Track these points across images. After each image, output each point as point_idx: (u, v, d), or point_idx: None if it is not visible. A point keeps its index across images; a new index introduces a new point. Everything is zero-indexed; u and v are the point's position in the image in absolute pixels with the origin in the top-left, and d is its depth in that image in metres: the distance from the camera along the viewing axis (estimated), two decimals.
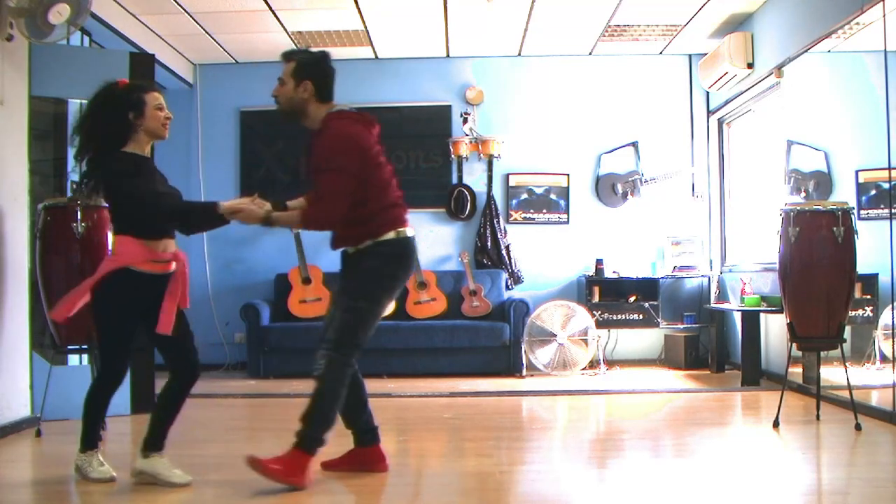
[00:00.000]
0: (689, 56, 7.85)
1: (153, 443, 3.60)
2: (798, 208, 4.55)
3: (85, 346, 4.55)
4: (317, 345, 3.48)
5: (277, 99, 3.62)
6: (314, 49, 3.80)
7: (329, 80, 3.76)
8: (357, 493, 3.53)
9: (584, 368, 6.97)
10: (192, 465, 3.77)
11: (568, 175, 7.84)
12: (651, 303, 7.29)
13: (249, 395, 6.18)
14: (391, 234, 3.46)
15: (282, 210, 3.55)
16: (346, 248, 3.55)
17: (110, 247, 3.77)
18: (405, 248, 3.51)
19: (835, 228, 4.39)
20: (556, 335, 6.94)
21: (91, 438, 3.62)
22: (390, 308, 7.18)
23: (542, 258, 7.80)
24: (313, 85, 3.64)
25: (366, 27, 7.02)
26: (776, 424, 4.52)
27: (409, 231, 3.53)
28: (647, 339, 7.77)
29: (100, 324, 3.54)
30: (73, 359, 5.22)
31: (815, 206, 4.53)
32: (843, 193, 5.75)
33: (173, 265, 3.57)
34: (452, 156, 7.74)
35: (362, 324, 3.44)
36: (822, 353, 4.66)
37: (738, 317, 6.71)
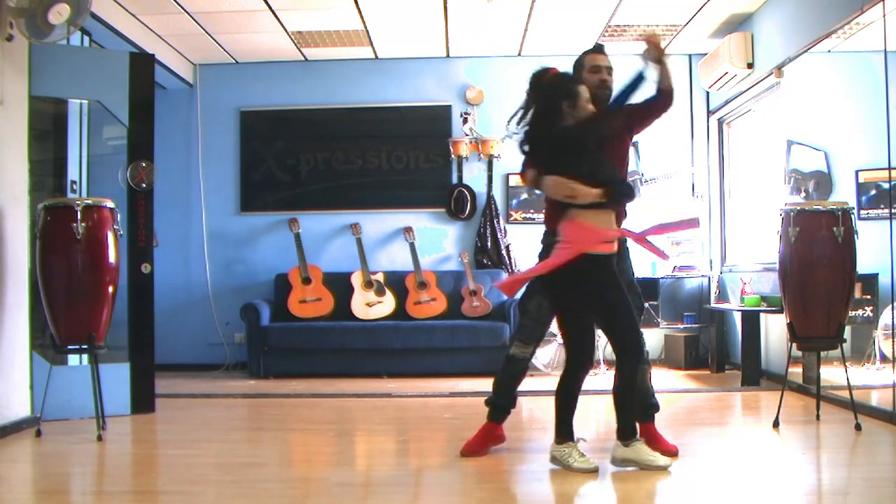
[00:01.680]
0: (689, 56, 7.85)
1: (565, 431, 3.65)
2: (798, 208, 4.55)
3: (85, 346, 4.54)
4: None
5: (607, 85, 4.00)
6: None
7: None
8: (357, 492, 3.53)
9: None
10: (192, 464, 3.77)
11: None
12: (651, 303, 7.28)
13: (249, 395, 6.17)
14: None
15: None
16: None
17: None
18: None
19: (835, 228, 4.39)
20: (556, 335, 6.93)
21: (567, 430, 3.63)
22: (390, 308, 7.27)
23: None
24: None
25: (366, 27, 7.02)
26: (776, 424, 4.52)
27: None
28: (647, 339, 7.72)
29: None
30: (73, 359, 5.22)
31: (815, 206, 4.53)
32: (843, 193, 5.75)
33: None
34: (452, 156, 7.74)
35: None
36: (822, 353, 4.65)
37: (738, 317, 6.70)
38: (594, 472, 3.56)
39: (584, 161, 3.59)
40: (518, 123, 3.86)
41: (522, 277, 3.78)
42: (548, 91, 3.75)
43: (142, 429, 4.87)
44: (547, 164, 3.67)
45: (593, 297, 3.59)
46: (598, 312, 3.66)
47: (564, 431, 3.64)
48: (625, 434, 3.63)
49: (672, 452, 3.84)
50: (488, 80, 7.90)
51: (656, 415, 4.06)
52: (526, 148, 3.80)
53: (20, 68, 4.83)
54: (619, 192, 3.58)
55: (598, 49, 4.11)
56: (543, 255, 3.87)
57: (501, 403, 4.03)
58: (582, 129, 3.66)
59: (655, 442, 3.91)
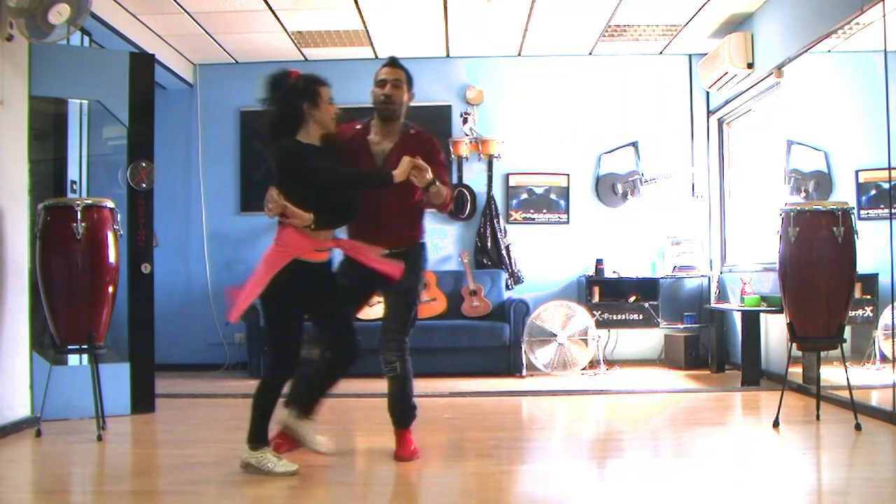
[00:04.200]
0: (689, 56, 7.86)
1: (304, 407, 3.73)
2: (798, 208, 4.55)
3: (85, 346, 4.54)
4: (383, 339, 3.90)
5: (393, 100, 3.81)
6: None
7: None
8: (357, 492, 3.53)
9: (584, 368, 6.97)
10: (192, 464, 3.77)
11: (568, 175, 7.84)
12: (651, 303, 7.29)
13: (249, 396, 6.09)
14: (425, 238, 4.00)
15: None
16: (392, 248, 3.82)
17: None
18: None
19: (835, 228, 4.39)
20: (556, 335, 6.94)
21: (262, 435, 3.64)
22: None
23: (542, 258, 7.80)
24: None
25: (366, 27, 7.02)
26: (776, 424, 4.52)
27: None
28: (647, 339, 7.77)
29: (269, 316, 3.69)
30: (73, 359, 5.22)
31: (815, 206, 4.53)
32: (843, 193, 5.75)
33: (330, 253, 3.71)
34: (452, 156, 7.73)
35: (416, 313, 4.01)
36: (822, 353, 4.66)
37: (738, 317, 6.71)
38: (295, 473, 3.56)
39: (310, 181, 3.57)
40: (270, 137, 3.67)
41: (246, 298, 3.64)
42: (288, 93, 3.62)
43: (142, 429, 4.87)
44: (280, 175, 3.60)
45: (308, 302, 3.65)
46: (313, 316, 3.75)
47: (262, 437, 3.63)
48: (254, 438, 3.63)
49: (413, 458, 3.87)
50: (488, 80, 7.91)
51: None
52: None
53: (20, 68, 4.83)
54: (326, 222, 3.60)
55: (390, 62, 3.91)
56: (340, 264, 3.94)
57: (297, 398, 3.90)
58: (314, 149, 3.65)
59: (404, 446, 3.94)
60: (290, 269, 3.55)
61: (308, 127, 3.65)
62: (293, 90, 3.62)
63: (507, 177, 7.85)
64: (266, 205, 3.59)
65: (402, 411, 4.01)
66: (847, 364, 4.44)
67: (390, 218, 3.82)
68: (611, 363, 7.38)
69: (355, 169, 3.77)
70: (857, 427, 4.32)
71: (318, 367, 3.86)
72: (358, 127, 3.95)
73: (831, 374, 5.06)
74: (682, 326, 7.43)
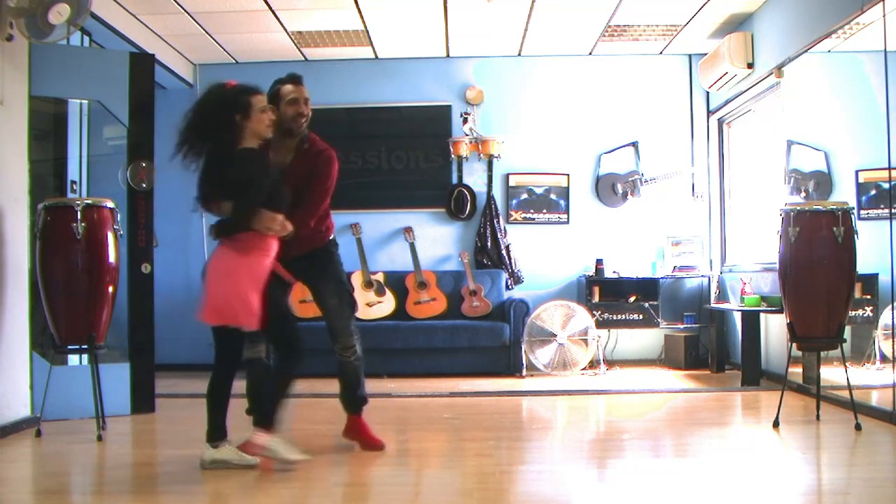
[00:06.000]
0: (689, 56, 7.86)
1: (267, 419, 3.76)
2: (798, 208, 4.55)
3: (85, 346, 4.54)
4: (338, 328, 4.01)
5: (305, 117, 3.88)
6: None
7: None
8: (357, 492, 3.53)
9: (584, 368, 6.97)
10: (192, 464, 3.77)
11: (568, 175, 7.84)
12: (651, 303, 7.29)
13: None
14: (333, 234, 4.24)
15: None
16: (307, 250, 3.97)
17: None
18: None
19: (835, 228, 4.39)
20: (556, 335, 6.94)
21: (220, 427, 3.75)
22: (390, 308, 7.26)
23: (542, 258, 7.80)
24: None
25: (366, 27, 7.02)
26: (776, 424, 4.52)
27: None
28: (647, 339, 7.77)
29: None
30: (73, 359, 5.22)
31: (815, 206, 4.53)
32: (843, 193, 5.75)
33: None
34: (452, 156, 7.74)
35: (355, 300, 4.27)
36: (822, 353, 4.65)
37: (738, 317, 6.71)
38: (255, 465, 3.63)
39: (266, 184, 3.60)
40: (190, 150, 3.62)
41: (251, 304, 3.58)
42: (219, 105, 3.59)
43: (142, 429, 4.87)
44: (230, 186, 3.55)
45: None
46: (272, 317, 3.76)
47: (222, 433, 3.72)
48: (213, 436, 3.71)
49: (378, 447, 4.03)
50: (488, 80, 7.91)
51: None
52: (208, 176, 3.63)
53: (20, 68, 4.83)
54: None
55: (295, 79, 3.91)
56: None
57: (258, 408, 3.90)
58: (263, 155, 3.67)
59: (363, 434, 4.06)
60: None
61: (245, 136, 3.60)
62: (223, 103, 3.58)
63: (507, 177, 7.85)
64: (272, 227, 3.56)
65: (361, 396, 4.13)
66: (847, 364, 4.44)
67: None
68: (611, 363, 7.37)
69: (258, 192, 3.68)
70: (857, 427, 4.32)
71: (269, 374, 3.92)
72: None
73: (831, 374, 5.06)
74: (682, 326, 7.43)
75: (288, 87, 3.86)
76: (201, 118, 3.59)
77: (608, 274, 7.44)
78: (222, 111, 3.56)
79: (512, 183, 7.85)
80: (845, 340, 4.45)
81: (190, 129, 3.59)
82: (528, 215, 7.86)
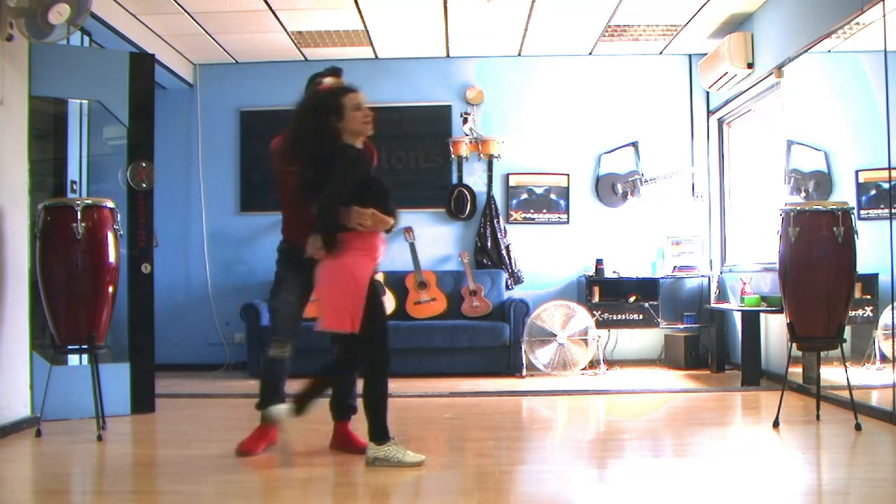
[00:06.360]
0: (689, 56, 7.86)
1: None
2: (798, 208, 4.55)
3: (85, 346, 4.54)
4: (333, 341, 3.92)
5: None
6: None
7: None
8: (357, 492, 3.53)
9: (584, 368, 6.97)
10: (192, 464, 3.77)
11: (568, 175, 7.84)
12: (651, 303, 7.29)
13: (249, 395, 6.14)
14: None
15: None
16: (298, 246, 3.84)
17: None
18: None
19: (835, 228, 4.39)
20: (556, 335, 6.94)
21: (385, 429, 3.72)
22: (390, 308, 7.26)
23: (542, 258, 7.80)
24: None
25: (366, 27, 7.02)
26: (776, 424, 4.52)
27: None
28: (646, 339, 7.77)
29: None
30: (73, 359, 5.22)
31: (815, 206, 4.53)
32: (843, 193, 5.75)
33: None
34: (452, 156, 7.74)
35: None
36: (822, 353, 4.65)
37: (738, 317, 6.71)
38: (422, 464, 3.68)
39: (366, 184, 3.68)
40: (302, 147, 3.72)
41: (353, 312, 3.61)
42: (311, 110, 3.71)
43: (142, 429, 4.87)
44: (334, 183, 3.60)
45: None
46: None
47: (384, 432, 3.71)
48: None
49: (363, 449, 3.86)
50: (488, 80, 7.91)
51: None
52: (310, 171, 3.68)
53: (20, 68, 4.83)
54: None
55: (336, 72, 4.12)
56: (288, 263, 4.05)
57: (271, 405, 3.95)
58: (362, 156, 3.75)
59: (349, 441, 4.02)
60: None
61: (343, 137, 3.69)
62: (314, 108, 3.70)
63: (507, 177, 7.85)
64: (363, 223, 3.57)
65: (351, 405, 4.13)
66: (847, 364, 4.44)
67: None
68: (611, 363, 7.37)
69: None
70: (857, 427, 4.32)
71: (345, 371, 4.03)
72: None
73: (831, 374, 5.06)
74: (682, 326, 7.43)
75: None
76: (299, 126, 3.71)
77: (608, 274, 7.44)
78: (315, 115, 3.66)
79: (512, 183, 7.85)
80: (845, 340, 4.45)
81: (293, 139, 3.72)
82: (528, 215, 7.86)
